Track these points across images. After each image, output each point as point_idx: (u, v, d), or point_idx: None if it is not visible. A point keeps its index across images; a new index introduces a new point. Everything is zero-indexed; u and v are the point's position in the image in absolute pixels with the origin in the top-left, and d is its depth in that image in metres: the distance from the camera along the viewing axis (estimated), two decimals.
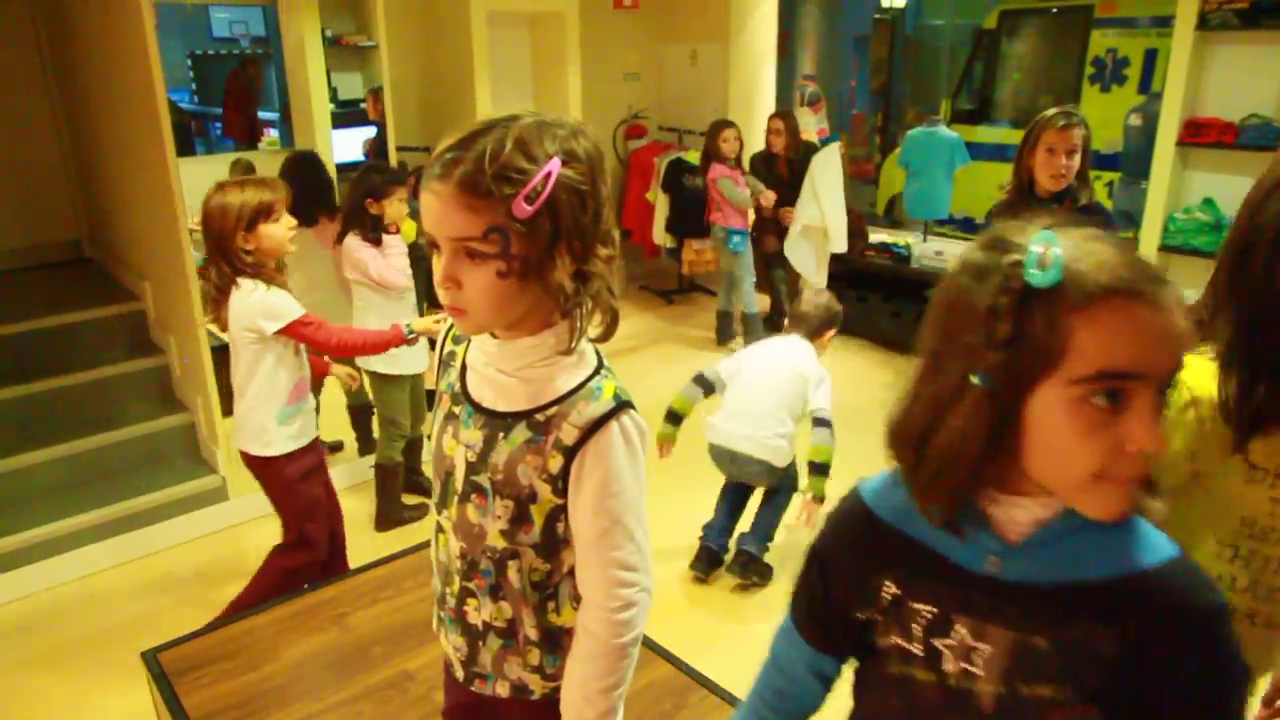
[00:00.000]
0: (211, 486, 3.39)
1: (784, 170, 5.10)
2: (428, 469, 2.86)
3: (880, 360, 5.15)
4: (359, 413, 3.77)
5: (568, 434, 1.07)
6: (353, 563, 2.97)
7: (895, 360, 5.12)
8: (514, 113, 1.02)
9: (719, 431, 2.92)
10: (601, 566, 1.11)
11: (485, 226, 0.97)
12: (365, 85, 5.83)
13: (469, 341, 1.16)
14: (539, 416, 1.08)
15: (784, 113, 5.27)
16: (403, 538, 3.13)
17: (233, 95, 5.64)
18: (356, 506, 3.36)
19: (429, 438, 1.22)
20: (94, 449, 3.36)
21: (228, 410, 3.61)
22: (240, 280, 2.34)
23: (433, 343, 2.07)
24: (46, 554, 3.06)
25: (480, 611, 1.19)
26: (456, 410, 1.15)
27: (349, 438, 3.84)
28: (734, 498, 3.07)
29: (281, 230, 2.36)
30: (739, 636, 2.74)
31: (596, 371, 1.11)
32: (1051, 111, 2.64)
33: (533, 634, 1.18)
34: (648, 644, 2.25)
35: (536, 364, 1.08)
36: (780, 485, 2.99)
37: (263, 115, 5.79)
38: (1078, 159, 2.52)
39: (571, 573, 1.17)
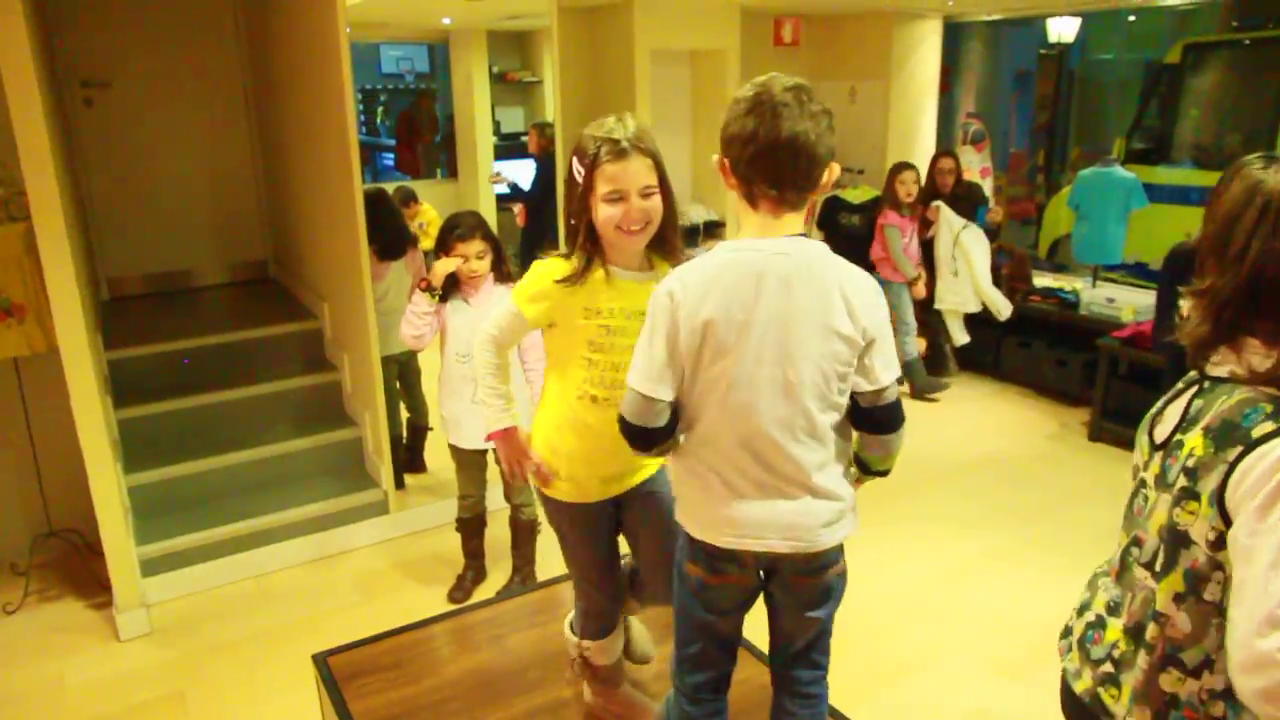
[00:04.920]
0: (374, 500, 3.54)
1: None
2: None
3: (1043, 410, 4.88)
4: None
5: None
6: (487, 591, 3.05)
7: (1060, 411, 4.85)
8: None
9: None
10: None
11: None
12: (527, 119, 6.06)
13: None
14: None
15: (952, 152, 5.14)
16: (549, 568, 3.17)
17: (405, 128, 5.96)
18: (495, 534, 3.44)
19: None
20: (269, 457, 3.59)
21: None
22: None
23: None
24: (226, 552, 3.28)
25: None
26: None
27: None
28: None
29: None
30: None
31: None
32: (1252, 157, 2.45)
33: None
34: None
35: None
36: None
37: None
38: None
39: None
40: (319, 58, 3.34)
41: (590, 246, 1.66)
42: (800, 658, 1.69)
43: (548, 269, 1.70)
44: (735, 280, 1.45)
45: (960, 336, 5.06)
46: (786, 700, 1.72)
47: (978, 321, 5.16)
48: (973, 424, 4.71)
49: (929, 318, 5.17)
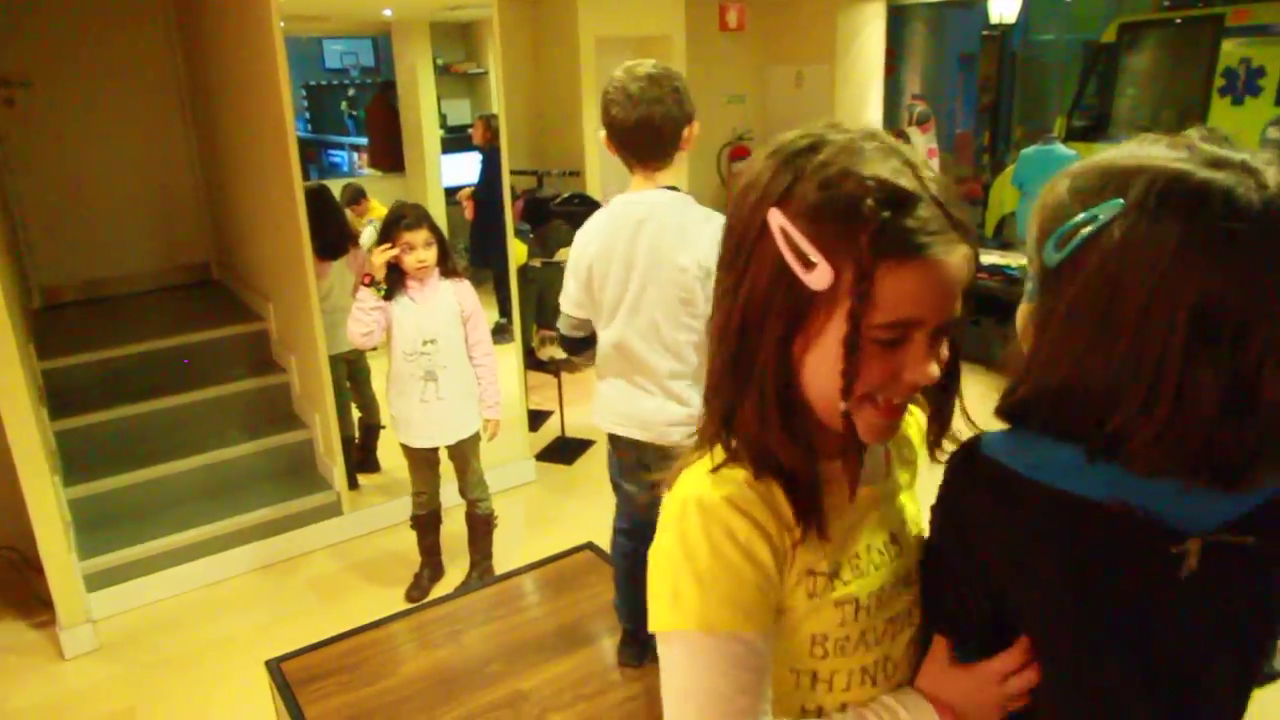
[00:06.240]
0: (327, 502, 3.48)
1: None
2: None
3: (995, 386, 4.92)
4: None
5: None
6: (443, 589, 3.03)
7: None
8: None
9: None
10: None
11: None
12: (473, 111, 5.98)
13: None
14: None
15: (900, 133, 5.18)
16: (507, 562, 3.14)
17: (376, 122, 5.83)
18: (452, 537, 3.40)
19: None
20: (217, 463, 3.50)
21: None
22: None
23: None
24: (174, 562, 3.19)
25: None
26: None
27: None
28: None
29: None
30: None
31: None
32: (1190, 130, 2.52)
33: None
34: None
35: None
36: None
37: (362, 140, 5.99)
38: None
39: None
40: (254, 53, 3.26)
41: (788, 441, 0.75)
42: None
43: (729, 505, 0.75)
44: (609, 225, 1.95)
45: None
46: None
47: None
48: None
49: None
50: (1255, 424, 0.70)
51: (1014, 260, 5.38)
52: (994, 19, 7.86)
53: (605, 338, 2.01)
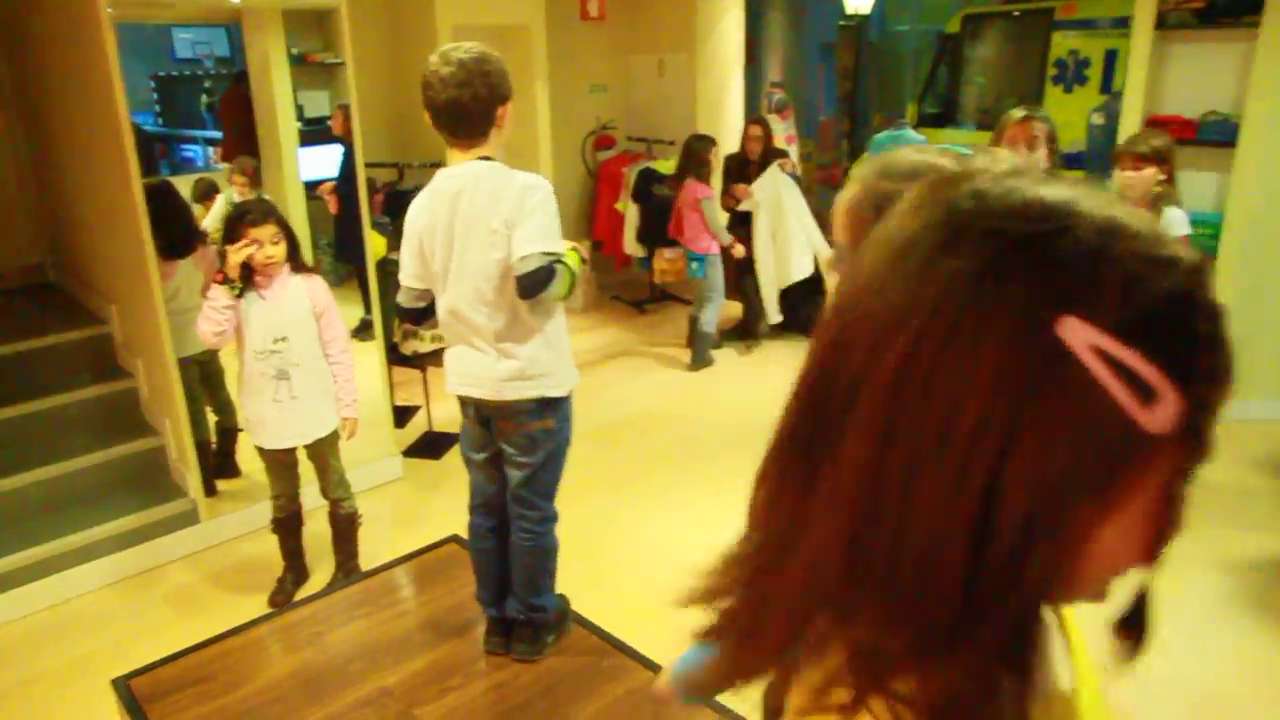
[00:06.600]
0: (182, 510, 3.33)
1: (754, 175, 5.13)
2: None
3: None
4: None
5: None
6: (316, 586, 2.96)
7: None
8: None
9: None
10: None
11: None
12: (332, 103, 5.80)
13: None
14: None
15: (762, 119, 5.30)
16: (374, 561, 3.09)
17: (229, 114, 5.57)
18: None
19: None
20: (61, 475, 3.30)
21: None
22: None
23: None
24: (13, 584, 3.00)
25: None
26: None
27: None
28: None
29: None
30: None
31: None
32: (1016, 110, 2.73)
33: None
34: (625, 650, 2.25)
35: None
36: None
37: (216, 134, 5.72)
38: (1041, 153, 2.57)
39: None
40: (82, 41, 3.07)
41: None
42: (520, 499, 2.21)
43: None
44: (431, 199, 2.08)
45: (774, 315, 5.20)
46: (515, 532, 2.24)
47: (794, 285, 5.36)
48: (782, 385, 4.92)
49: (744, 284, 5.31)
50: None
51: None
52: (850, 10, 8.13)
53: (441, 305, 2.14)
